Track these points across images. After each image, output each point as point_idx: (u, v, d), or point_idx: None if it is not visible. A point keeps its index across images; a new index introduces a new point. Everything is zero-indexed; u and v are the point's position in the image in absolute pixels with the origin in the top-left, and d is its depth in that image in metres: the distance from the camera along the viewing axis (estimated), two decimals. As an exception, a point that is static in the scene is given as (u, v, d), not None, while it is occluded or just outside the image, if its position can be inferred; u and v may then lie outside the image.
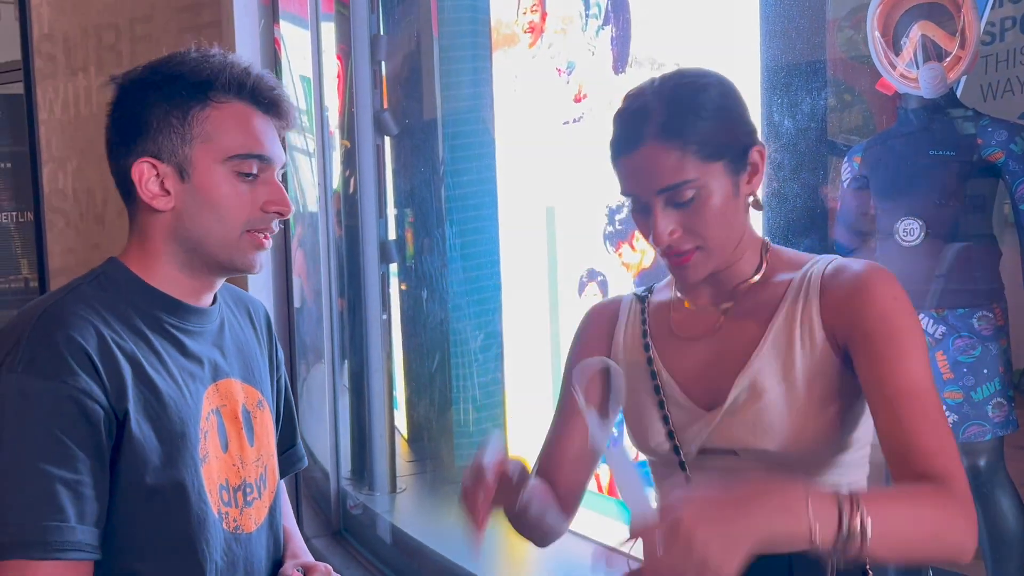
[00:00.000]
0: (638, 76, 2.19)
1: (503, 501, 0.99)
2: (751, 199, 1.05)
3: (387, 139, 3.05)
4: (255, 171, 1.02)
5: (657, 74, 1.07)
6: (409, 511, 2.89)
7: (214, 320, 1.09)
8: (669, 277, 1.16)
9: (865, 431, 1.05)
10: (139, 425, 0.95)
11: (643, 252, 2.32)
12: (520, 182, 2.68)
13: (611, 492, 2.49)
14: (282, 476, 1.26)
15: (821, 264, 1.06)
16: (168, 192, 1.01)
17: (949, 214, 1.66)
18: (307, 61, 3.31)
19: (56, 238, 4.57)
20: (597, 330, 1.18)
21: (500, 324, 2.66)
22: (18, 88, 4.82)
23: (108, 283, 1.02)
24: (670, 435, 1.07)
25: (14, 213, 5.57)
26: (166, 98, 1.00)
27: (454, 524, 2.78)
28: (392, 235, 2.99)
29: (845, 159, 1.85)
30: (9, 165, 5.68)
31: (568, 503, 1.16)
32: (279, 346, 1.24)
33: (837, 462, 1.04)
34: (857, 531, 0.80)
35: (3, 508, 0.89)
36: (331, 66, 3.31)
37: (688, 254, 1.02)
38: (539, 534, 1.15)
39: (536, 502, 1.01)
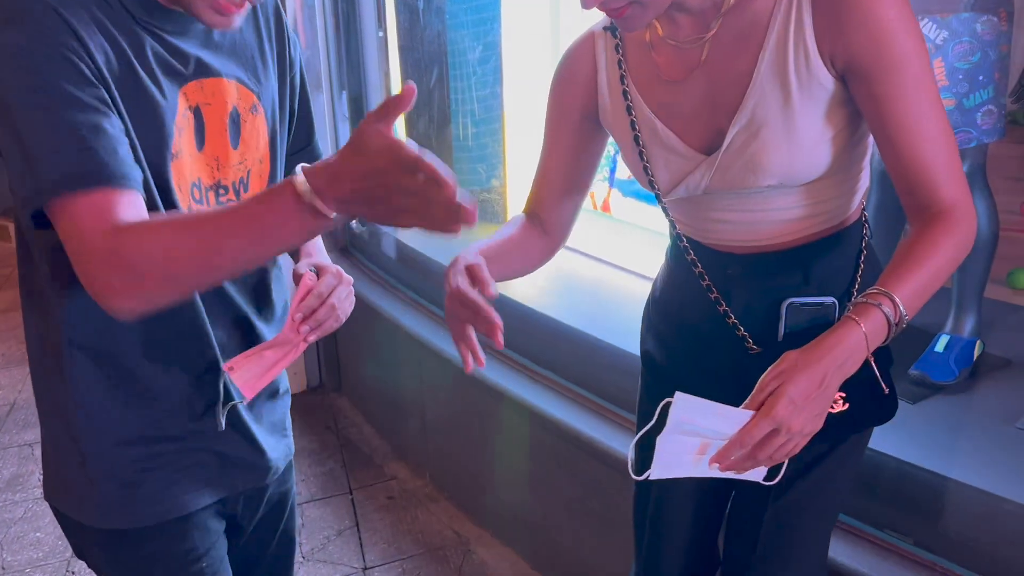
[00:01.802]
0: None
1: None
2: None
3: None
4: None
5: None
6: (414, 230, 3.00)
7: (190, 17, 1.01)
8: None
9: (859, 139, 1.04)
10: (120, 107, 0.92)
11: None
12: None
13: (605, 209, 2.59)
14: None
15: None
16: None
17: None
18: None
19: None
20: (577, 79, 1.13)
21: (499, 34, 2.59)
22: None
23: None
24: (651, 184, 1.09)
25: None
26: None
27: (459, 240, 2.90)
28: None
29: None
30: None
31: (562, 229, 1.24)
32: (294, 41, 1.17)
33: (839, 182, 1.05)
34: (902, 324, 0.91)
35: (36, 155, 0.87)
36: None
37: (621, 8, 0.94)
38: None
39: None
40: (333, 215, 0.80)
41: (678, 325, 1.21)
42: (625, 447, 1.86)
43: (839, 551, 1.54)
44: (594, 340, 2.10)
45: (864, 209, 1.13)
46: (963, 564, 1.46)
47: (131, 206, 0.88)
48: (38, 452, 3.04)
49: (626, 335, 2.04)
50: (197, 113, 1.02)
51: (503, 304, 2.36)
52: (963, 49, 1.63)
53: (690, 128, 1.05)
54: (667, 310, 1.23)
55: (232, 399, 1.11)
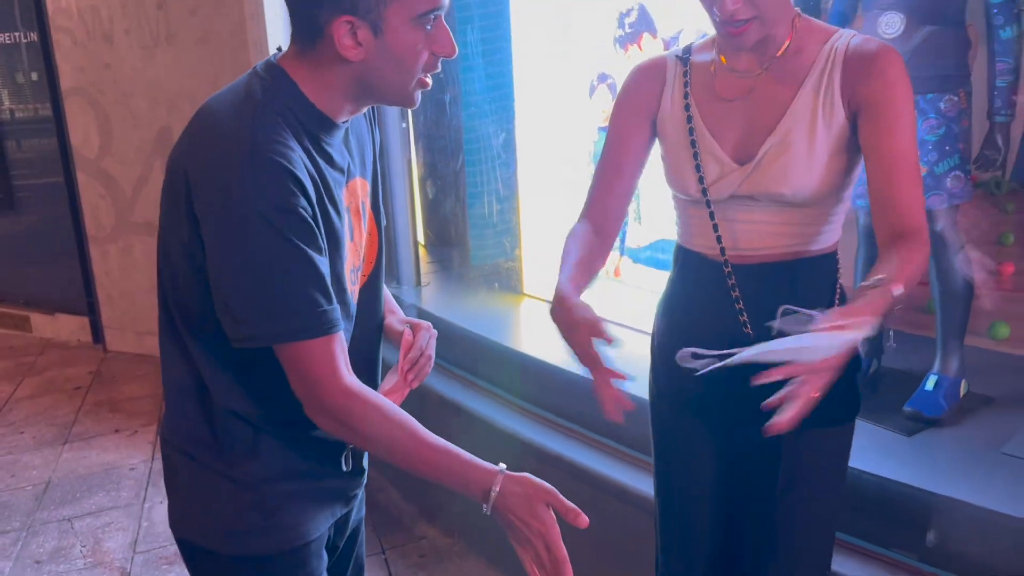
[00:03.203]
0: None
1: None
2: None
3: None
4: (435, 21, 1.12)
5: None
6: (435, 299, 3.20)
7: (344, 127, 1.21)
8: (706, 39, 1.39)
9: (849, 184, 1.34)
10: (322, 233, 1.12)
11: (650, 54, 2.50)
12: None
13: (616, 275, 2.81)
14: None
15: (845, 38, 1.28)
16: (360, 44, 1.09)
17: (926, 7, 1.85)
18: None
19: (65, 57, 4.62)
20: (648, 86, 1.40)
21: (514, 124, 2.86)
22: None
23: (280, 93, 1.12)
24: (700, 180, 1.34)
25: (16, 34, 5.37)
26: None
27: (477, 306, 3.11)
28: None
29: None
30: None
31: (616, 230, 1.46)
32: (377, 128, 1.37)
33: (829, 207, 1.33)
34: (902, 301, 1.15)
35: (273, 305, 1.08)
36: None
37: (746, 23, 1.24)
38: None
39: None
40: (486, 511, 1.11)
41: (689, 319, 1.45)
42: (646, 487, 2.02)
43: (851, 568, 1.71)
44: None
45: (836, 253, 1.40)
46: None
47: (341, 345, 1.12)
48: (77, 526, 3.16)
49: (639, 387, 2.23)
50: (347, 212, 1.21)
51: (529, 364, 2.55)
52: (931, 124, 1.89)
53: (730, 140, 1.32)
54: (681, 306, 1.47)
55: None
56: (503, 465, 1.13)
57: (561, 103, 2.81)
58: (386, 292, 1.43)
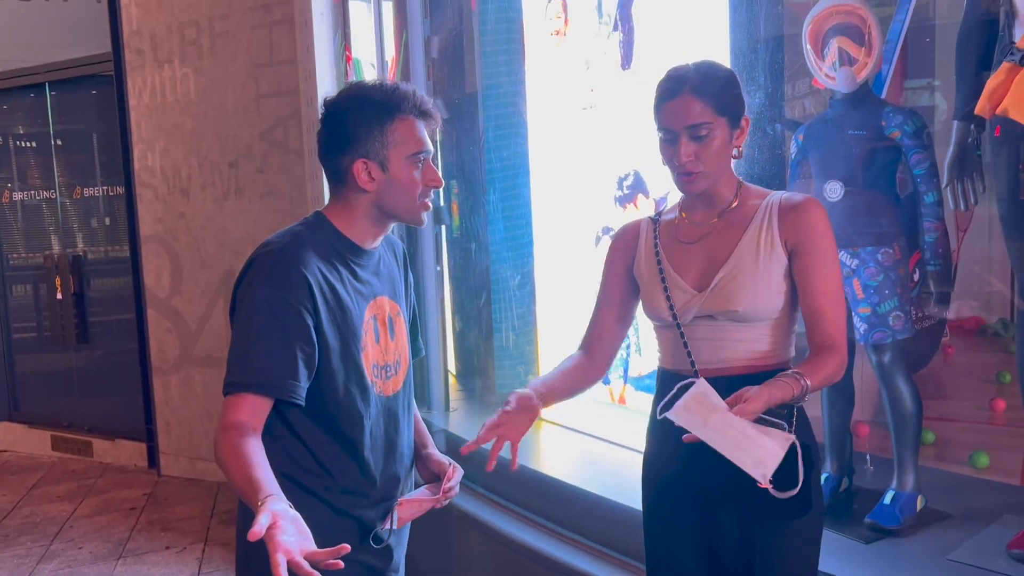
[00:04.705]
0: (641, 71, 2.77)
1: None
2: (736, 151, 1.62)
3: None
4: (423, 161, 1.55)
5: (657, 68, 1.66)
6: (461, 423, 3.52)
7: (375, 257, 1.63)
8: (675, 203, 1.74)
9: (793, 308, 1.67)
10: (327, 327, 1.50)
11: (644, 210, 2.91)
12: (547, 156, 3.31)
13: (621, 401, 3.12)
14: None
15: (777, 196, 1.65)
16: (373, 179, 1.52)
17: (862, 177, 2.24)
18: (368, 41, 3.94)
19: (147, 209, 5.23)
20: (626, 243, 1.78)
21: (532, 268, 3.28)
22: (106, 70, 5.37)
23: (318, 229, 1.55)
24: (670, 308, 1.68)
25: (97, 188, 6.00)
26: (369, 117, 1.51)
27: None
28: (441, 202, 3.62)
29: (793, 136, 2.43)
30: (60, 142, 5.95)
31: (606, 360, 1.82)
32: (410, 272, 1.78)
33: (777, 326, 1.65)
34: (808, 390, 1.51)
35: (249, 362, 1.44)
36: (389, 50, 3.89)
37: (695, 174, 1.58)
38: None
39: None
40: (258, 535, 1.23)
41: (669, 431, 1.69)
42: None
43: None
44: (615, 504, 2.56)
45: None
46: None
47: (263, 406, 1.45)
48: (128, 631, 3.41)
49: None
50: (374, 320, 1.60)
51: (548, 483, 2.83)
52: (871, 272, 2.23)
53: (691, 274, 1.67)
54: (662, 422, 1.70)
55: (388, 524, 1.62)
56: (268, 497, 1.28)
57: (572, 252, 3.22)
58: (424, 428, 1.80)
